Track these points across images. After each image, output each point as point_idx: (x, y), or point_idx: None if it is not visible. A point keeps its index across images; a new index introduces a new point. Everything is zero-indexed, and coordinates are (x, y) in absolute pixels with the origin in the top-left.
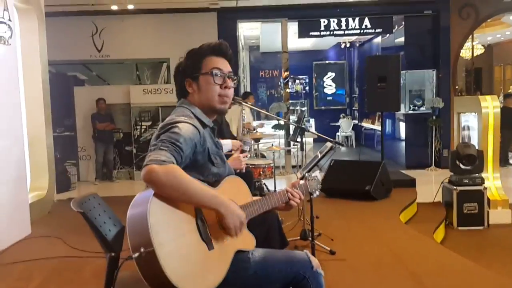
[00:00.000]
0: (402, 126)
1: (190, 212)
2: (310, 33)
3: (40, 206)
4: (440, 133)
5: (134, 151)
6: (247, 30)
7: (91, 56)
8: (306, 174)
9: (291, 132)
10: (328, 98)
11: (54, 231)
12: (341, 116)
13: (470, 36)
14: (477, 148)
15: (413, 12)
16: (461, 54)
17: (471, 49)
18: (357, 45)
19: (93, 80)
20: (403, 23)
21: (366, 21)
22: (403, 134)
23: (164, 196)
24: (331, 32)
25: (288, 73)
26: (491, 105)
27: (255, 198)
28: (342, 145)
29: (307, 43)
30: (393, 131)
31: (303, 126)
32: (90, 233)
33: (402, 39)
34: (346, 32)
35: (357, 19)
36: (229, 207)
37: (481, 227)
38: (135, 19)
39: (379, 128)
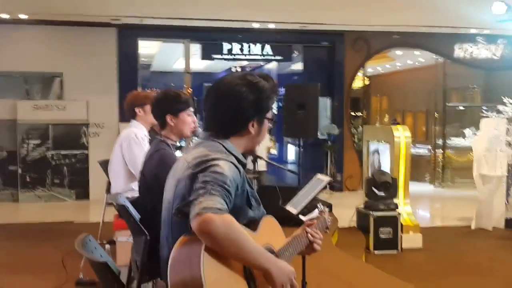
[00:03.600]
0: (291, 149)
1: (239, 272)
2: (213, 56)
3: None
4: (335, 158)
5: (20, 171)
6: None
7: None
8: (320, 207)
9: None
10: None
11: None
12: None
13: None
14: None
15: (311, 42)
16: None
17: (362, 79)
18: (248, 70)
19: None
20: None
21: (267, 48)
22: (291, 157)
23: (215, 251)
24: (234, 56)
25: (191, 92)
26: (403, 135)
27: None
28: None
29: (200, 65)
30: (281, 154)
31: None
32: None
33: (298, 65)
34: (248, 57)
35: (259, 45)
36: (278, 265)
37: (395, 251)
38: (26, 29)
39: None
